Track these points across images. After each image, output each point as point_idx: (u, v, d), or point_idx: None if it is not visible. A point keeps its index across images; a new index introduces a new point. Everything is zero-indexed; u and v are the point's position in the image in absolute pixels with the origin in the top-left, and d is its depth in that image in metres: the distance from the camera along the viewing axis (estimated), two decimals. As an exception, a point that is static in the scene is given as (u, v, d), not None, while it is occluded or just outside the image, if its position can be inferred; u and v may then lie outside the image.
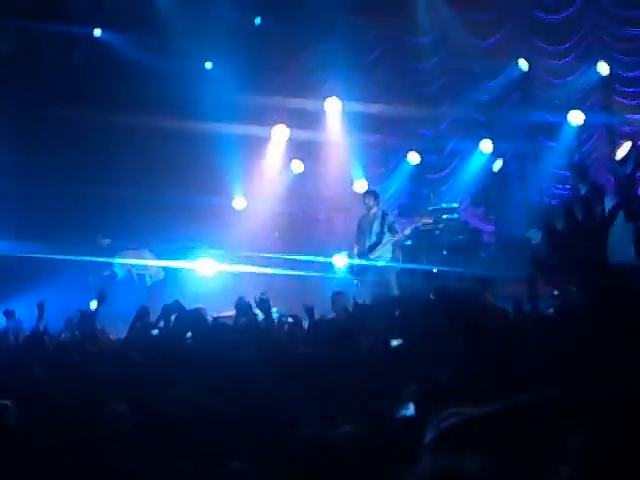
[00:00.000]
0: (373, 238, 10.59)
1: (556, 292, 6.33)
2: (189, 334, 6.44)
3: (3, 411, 4.32)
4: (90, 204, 13.42)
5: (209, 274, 12.09)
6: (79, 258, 11.72)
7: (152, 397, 4.66)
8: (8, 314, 7.76)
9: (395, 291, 10.04)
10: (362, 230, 10.81)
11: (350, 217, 14.61)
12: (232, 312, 7.58)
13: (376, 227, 10.61)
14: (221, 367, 5.22)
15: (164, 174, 13.66)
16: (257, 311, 7.28)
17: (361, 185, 14.66)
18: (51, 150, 13.74)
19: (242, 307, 7.27)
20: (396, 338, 5.31)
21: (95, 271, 12.26)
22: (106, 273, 12.27)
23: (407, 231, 10.96)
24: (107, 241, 12.87)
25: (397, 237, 10.65)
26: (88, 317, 7.56)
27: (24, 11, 13.33)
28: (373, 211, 10.79)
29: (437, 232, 13.13)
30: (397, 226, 10.78)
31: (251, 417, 4.21)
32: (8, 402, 4.40)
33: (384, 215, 10.77)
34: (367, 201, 10.93)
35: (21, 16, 13.22)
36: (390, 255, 10.64)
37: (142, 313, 7.41)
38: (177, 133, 13.60)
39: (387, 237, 10.55)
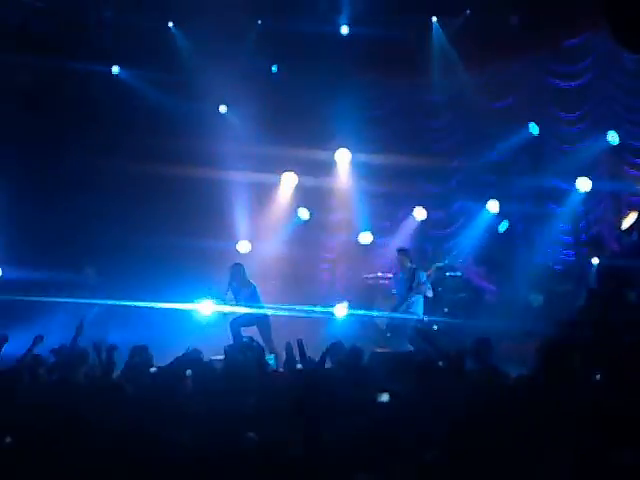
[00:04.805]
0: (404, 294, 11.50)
1: None
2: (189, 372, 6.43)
3: None
4: (87, 245, 13.49)
5: (207, 314, 12.05)
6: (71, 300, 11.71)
7: (142, 437, 4.62)
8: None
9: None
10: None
11: (353, 267, 14.62)
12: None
13: (408, 283, 11.47)
14: (214, 412, 5.18)
15: (169, 217, 13.71)
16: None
17: (366, 237, 14.70)
18: (54, 185, 13.64)
19: (231, 354, 7.23)
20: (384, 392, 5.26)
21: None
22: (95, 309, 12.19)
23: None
24: (92, 270, 12.96)
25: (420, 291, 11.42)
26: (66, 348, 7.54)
27: (45, 46, 13.47)
28: (407, 268, 11.59)
29: (439, 289, 13.11)
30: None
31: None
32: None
33: (415, 272, 11.49)
34: (401, 259, 11.78)
35: (42, 51, 13.33)
36: (422, 311, 11.36)
37: (139, 350, 7.40)
38: (186, 177, 13.68)
39: (413, 294, 11.37)
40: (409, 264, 11.68)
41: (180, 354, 6.94)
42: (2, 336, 7.49)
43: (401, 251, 11.98)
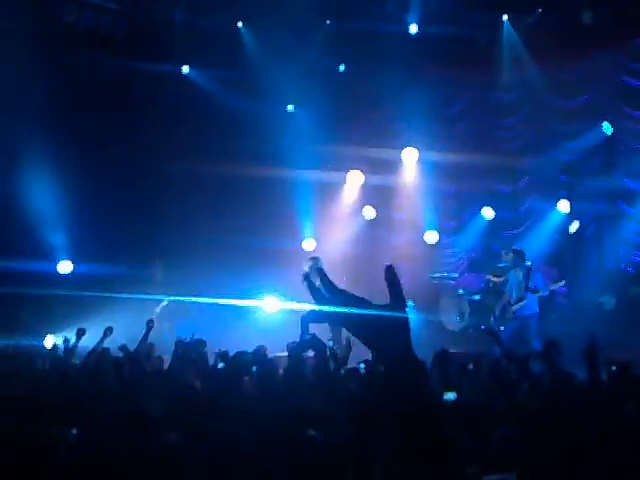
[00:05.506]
0: (519, 293, 11.48)
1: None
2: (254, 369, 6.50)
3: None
4: (156, 242, 13.71)
5: (273, 311, 12.11)
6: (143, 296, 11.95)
7: (204, 428, 4.67)
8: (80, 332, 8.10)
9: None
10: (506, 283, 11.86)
11: (418, 267, 14.50)
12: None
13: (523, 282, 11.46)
14: (276, 408, 5.19)
15: (236, 215, 13.85)
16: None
17: (432, 236, 14.57)
18: (123, 184, 13.81)
19: (294, 352, 7.26)
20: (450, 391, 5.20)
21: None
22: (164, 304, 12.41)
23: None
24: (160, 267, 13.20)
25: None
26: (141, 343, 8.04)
27: (116, 46, 13.71)
28: (518, 268, 11.57)
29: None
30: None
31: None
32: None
33: (529, 272, 11.49)
34: (512, 258, 11.79)
35: (112, 51, 13.56)
36: (537, 308, 11.35)
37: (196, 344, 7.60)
38: (253, 176, 13.78)
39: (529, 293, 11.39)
40: (524, 263, 11.63)
41: (243, 350, 7.00)
42: (81, 329, 8.15)
43: (515, 251, 11.88)
